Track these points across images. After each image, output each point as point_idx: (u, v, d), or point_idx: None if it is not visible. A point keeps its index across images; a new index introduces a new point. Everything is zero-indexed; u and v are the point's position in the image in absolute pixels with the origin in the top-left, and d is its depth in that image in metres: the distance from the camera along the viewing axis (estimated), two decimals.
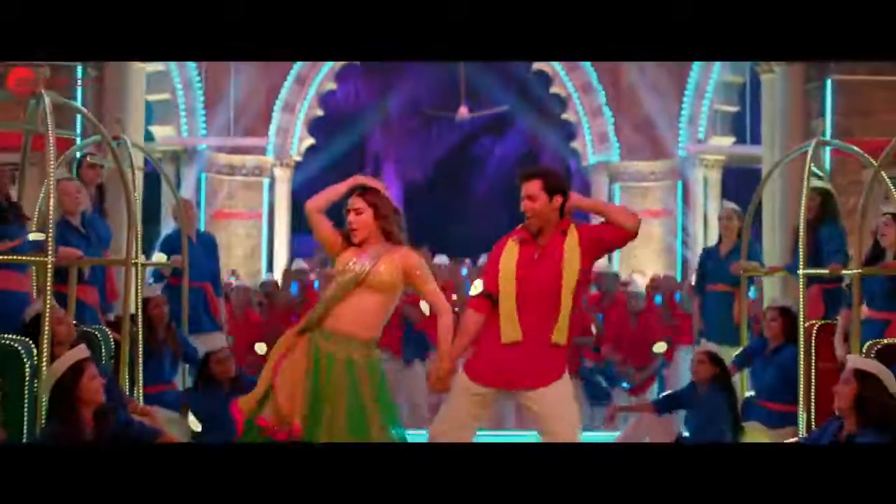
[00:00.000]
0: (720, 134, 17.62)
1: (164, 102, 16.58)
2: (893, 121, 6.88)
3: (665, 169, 18.21)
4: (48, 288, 5.16)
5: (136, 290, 6.81)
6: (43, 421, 5.10)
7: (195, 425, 7.23)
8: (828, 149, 8.83)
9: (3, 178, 5.80)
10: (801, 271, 6.98)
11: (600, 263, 12.89)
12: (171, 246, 9.00)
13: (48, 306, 5.18)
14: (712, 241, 15.57)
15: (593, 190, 18.76)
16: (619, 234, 4.88)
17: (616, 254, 18.13)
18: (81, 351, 5.06)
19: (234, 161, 17.77)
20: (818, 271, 7.07)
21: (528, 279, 4.81)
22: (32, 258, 5.48)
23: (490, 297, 4.90)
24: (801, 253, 6.99)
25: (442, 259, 11.42)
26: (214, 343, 8.61)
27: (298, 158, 18.36)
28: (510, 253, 4.87)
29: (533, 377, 4.85)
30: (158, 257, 9.00)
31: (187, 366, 8.33)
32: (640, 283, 13.48)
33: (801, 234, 7.01)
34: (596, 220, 5.08)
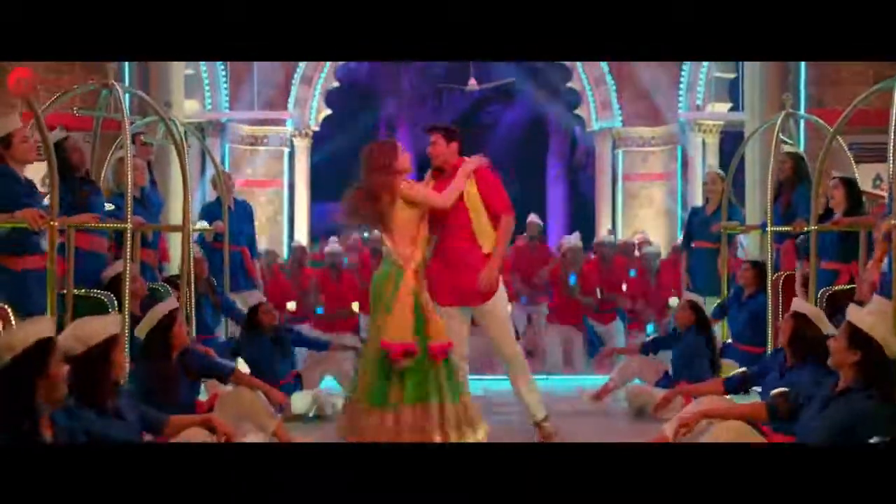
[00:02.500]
0: (717, 101, 18.17)
1: (189, 77, 17.31)
2: (860, 92, 7.72)
3: (665, 134, 18.69)
4: (128, 249, 6.15)
5: (190, 252, 7.73)
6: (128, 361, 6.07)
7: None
8: (801, 119, 9.73)
9: (84, 155, 6.75)
10: (768, 228, 7.95)
11: (600, 233, 13.98)
12: (210, 213, 10.02)
13: (128, 265, 6.18)
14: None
15: (597, 154, 19.47)
16: None
17: (619, 216, 19.00)
18: (174, 302, 6.08)
19: (256, 132, 18.53)
20: (783, 228, 8.02)
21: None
22: (115, 225, 6.46)
23: None
24: (768, 213, 7.93)
25: None
26: (251, 299, 9.62)
27: (316, 128, 19.05)
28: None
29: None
30: (200, 224, 9.98)
31: (229, 319, 9.37)
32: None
33: (769, 196, 7.96)
34: None
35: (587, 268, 11.62)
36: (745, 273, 8.61)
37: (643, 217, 18.74)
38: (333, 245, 11.88)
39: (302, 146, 18.97)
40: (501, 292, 6.54)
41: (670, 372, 8.23)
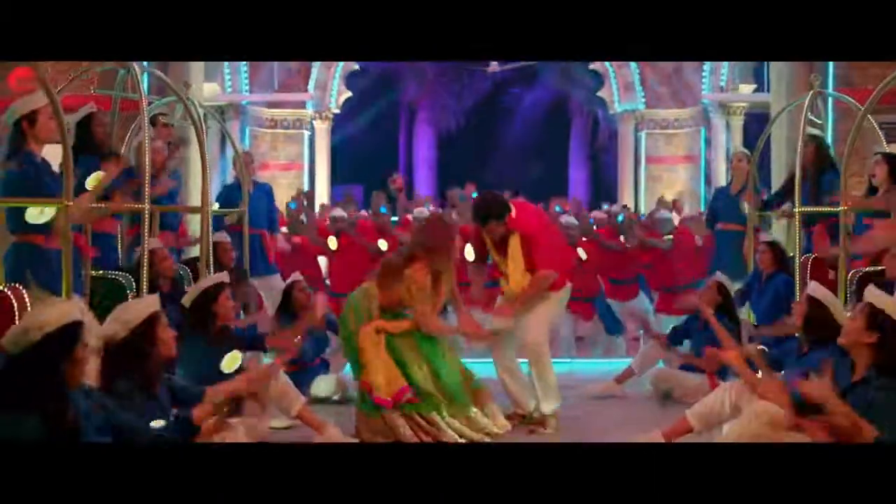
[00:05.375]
0: (741, 82, 18.03)
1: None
2: (889, 72, 7.55)
3: (689, 116, 18.62)
4: (146, 231, 6.07)
5: (209, 234, 7.62)
6: None
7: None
8: (829, 98, 9.53)
9: (109, 135, 6.67)
10: (796, 209, 7.77)
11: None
12: (228, 196, 9.91)
13: (146, 244, 6.09)
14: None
15: (620, 136, 19.35)
16: None
17: (642, 199, 18.83)
18: (224, 275, 6.08)
19: (276, 115, 18.52)
20: (813, 209, 7.84)
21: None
22: (132, 206, 6.36)
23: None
24: (796, 194, 7.76)
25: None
26: (270, 283, 9.51)
27: (336, 111, 19.04)
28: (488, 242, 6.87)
29: None
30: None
31: None
32: None
33: (798, 176, 7.77)
34: None
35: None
36: (763, 255, 8.37)
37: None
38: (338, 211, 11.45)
39: (322, 129, 18.91)
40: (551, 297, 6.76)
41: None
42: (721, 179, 17.74)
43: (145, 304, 4.71)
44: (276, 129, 18.61)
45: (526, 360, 6.84)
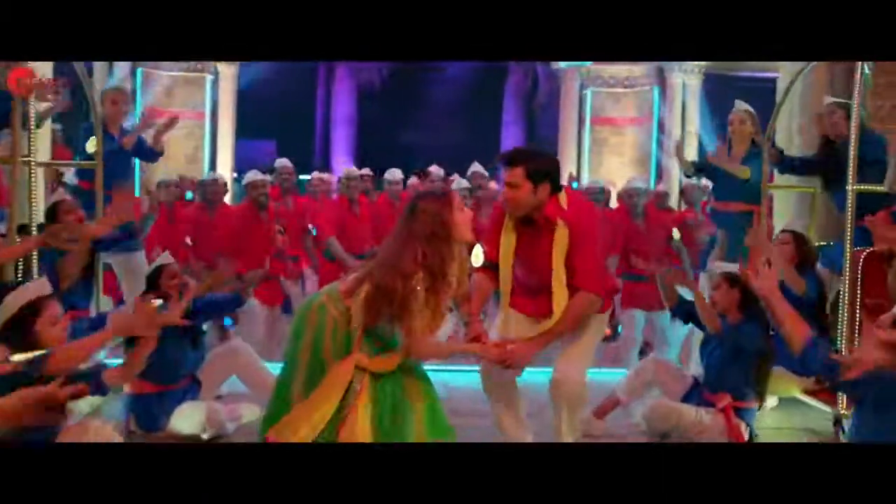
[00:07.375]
0: None
1: None
2: None
3: (641, 73, 17.32)
4: None
5: (30, 192, 5.43)
6: None
7: None
8: None
9: None
10: (849, 187, 5.79)
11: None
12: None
13: None
14: (691, 152, 14.37)
15: (562, 94, 17.94)
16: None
17: (585, 164, 17.25)
18: (43, 285, 4.38)
19: None
20: (872, 188, 5.83)
21: (523, 265, 5.00)
22: None
23: (493, 266, 5.07)
24: (850, 169, 5.79)
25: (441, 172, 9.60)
26: (130, 263, 7.38)
27: None
28: (508, 235, 4.97)
29: None
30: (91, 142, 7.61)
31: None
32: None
33: (853, 143, 5.80)
34: None
35: None
36: (783, 248, 6.41)
37: (612, 166, 17.13)
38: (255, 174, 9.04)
39: (228, 73, 17.07)
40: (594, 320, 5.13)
41: (699, 379, 6.03)
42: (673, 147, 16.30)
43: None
44: (172, 71, 16.54)
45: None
